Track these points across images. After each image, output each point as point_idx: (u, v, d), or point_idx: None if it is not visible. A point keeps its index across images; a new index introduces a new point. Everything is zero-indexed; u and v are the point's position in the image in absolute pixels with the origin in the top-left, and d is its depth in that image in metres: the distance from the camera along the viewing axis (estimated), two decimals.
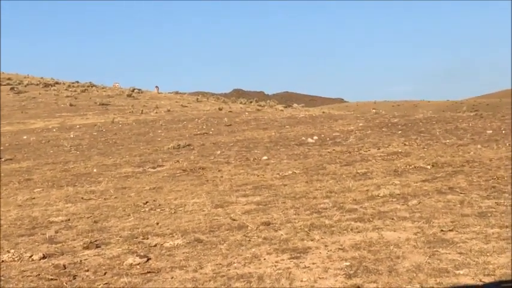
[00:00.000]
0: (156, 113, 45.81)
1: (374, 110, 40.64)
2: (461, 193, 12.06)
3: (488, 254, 8.08)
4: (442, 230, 9.40)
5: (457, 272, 7.52)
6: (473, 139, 20.00)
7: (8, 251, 10.08)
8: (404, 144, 19.97)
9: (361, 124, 27.13)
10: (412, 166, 15.63)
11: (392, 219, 10.41)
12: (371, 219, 10.50)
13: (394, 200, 11.93)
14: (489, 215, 10.18)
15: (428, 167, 15.42)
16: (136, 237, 10.60)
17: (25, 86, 68.93)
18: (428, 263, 7.90)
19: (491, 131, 21.48)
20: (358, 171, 15.75)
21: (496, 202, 11.06)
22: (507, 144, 18.05)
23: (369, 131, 24.32)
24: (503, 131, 21.19)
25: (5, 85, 69.49)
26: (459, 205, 11.08)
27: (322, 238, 9.51)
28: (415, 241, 8.92)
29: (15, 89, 65.10)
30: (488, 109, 56.09)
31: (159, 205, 13.55)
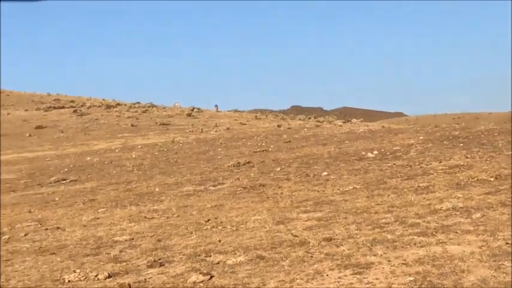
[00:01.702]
0: (216, 131, 46.04)
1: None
2: None
3: None
4: (507, 243, 9.23)
5: None
6: None
7: (74, 271, 10.21)
8: (466, 157, 19.68)
9: (421, 137, 26.85)
10: (475, 179, 15.40)
11: (456, 232, 10.26)
12: (434, 233, 10.36)
13: (457, 213, 11.76)
14: None
15: (492, 179, 15.18)
16: (199, 255, 10.63)
17: (88, 108, 69.97)
18: (494, 276, 7.77)
19: None
20: (420, 185, 15.58)
21: None
22: None
23: (429, 145, 24.05)
24: None
25: (68, 108, 70.67)
26: None
27: (385, 253, 9.42)
28: (480, 254, 8.78)
29: (78, 111, 66.09)
30: None
31: (221, 222, 13.58)
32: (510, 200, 12.47)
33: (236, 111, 73.73)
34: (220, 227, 13.07)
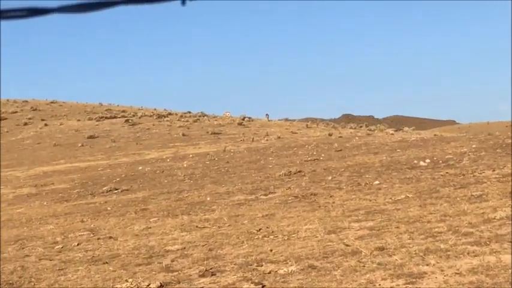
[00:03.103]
0: (267, 140, 46.13)
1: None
2: None
3: None
4: None
5: None
6: None
7: (127, 280, 10.31)
8: None
9: (474, 146, 26.58)
10: None
11: (510, 242, 10.15)
12: (488, 242, 10.26)
13: (511, 222, 11.63)
14: None
15: None
16: (251, 265, 10.65)
17: (139, 118, 70.57)
18: None
19: None
20: (473, 193, 15.42)
21: None
22: None
23: (482, 153, 23.80)
24: None
25: (120, 117, 71.37)
26: None
27: (438, 263, 9.35)
28: None
29: (130, 121, 66.67)
30: None
31: (272, 232, 13.58)
32: None
33: (287, 120, 73.78)
34: (271, 237, 13.08)
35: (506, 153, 22.83)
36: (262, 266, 10.49)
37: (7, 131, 65.91)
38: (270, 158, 32.25)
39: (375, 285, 8.58)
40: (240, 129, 56.78)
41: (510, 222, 11.64)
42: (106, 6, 1.87)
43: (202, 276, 10.25)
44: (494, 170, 19.01)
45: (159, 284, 9.88)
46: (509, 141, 26.89)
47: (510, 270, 8.48)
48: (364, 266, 9.66)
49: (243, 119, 65.41)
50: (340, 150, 32.40)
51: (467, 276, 8.49)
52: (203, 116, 72.69)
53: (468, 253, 9.73)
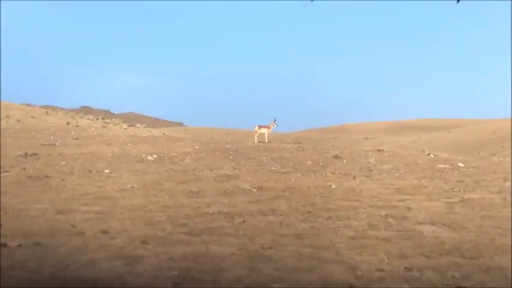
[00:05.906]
0: (7, 122, 44.23)
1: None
2: (281, 215, 12.31)
3: (300, 271, 8.29)
4: (262, 247, 9.55)
5: (273, 285, 7.67)
6: (295, 168, 20.48)
7: None
8: (235, 168, 20.19)
9: (197, 147, 27.22)
10: (240, 188, 15.83)
11: (219, 234, 10.50)
12: (200, 233, 10.55)
13: (221, 217, 12.03)
14: (304, 236, 10.44)
15: (254, 190, 15.66)
16: None
17: None
18: (249, 276, 8.02)
19: (310, 162, 22.07)
20: (192, 189, 15.78)
21: (310, 226, 11.36)
22: (323, 175, 18.62)
23: (203, 154, 24.43)
24: (321, 163, 21.84)
25: None
26: (279, 226, 11.30)
27: (154, 248, 9.47)
28: (238, 256, 9.03)
29: None
30: (310, 143, 57.69)
31: (3, 208, 13.03)
32: (269, 209, 12.94)
33: (28, 105, 71.15)
34: (2, 212, 12.56)
35: (224, 157, 23.64)
36: None
37: None
38: (8, 139, 30.95)
39: (94, 264, 8.53)
40: None
41: (222, 217, 12.07)
42: None
43: None
44: (212, 170, 19.59)
45: None
46: (228, 146, 27.87)
47: (216, 260, 8.77)
48: (87, 246, 9.57)
49: None
50: (77, 138, 31.83)
51: (179, 262, 8.67)
52: None
53: (182, 242, 9.94)
